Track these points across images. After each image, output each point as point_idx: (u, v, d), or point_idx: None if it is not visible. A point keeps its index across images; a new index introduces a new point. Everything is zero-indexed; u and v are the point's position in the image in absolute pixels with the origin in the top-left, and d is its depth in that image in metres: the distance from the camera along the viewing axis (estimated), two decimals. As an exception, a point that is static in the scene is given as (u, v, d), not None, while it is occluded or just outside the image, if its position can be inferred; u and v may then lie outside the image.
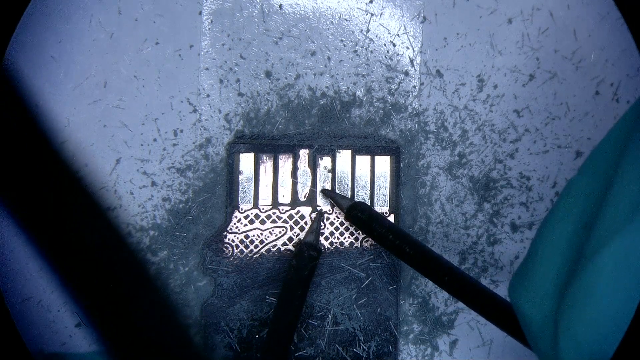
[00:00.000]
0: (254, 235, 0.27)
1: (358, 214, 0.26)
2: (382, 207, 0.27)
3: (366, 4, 0.27)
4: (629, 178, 0.17)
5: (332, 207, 0.27)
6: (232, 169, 0.27)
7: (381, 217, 0.26)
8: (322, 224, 0.27)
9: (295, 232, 0.27)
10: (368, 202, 0.27)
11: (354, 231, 0.27)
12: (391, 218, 0.28)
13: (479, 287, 0.23)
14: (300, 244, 0.27)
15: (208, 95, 0.27)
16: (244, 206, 0.27)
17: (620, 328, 0.16)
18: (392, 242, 0.24)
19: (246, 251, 0.27)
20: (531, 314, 0.18)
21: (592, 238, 0.17)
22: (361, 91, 0.28)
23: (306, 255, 0.26)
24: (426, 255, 0.24)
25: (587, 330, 0.17)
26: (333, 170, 0.27)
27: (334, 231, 0.27)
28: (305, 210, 0.27)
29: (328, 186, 0.27)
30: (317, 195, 0.27)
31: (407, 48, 0.28)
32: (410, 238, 0.24)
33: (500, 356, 0.29)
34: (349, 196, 0.27)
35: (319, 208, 0.27)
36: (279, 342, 0.25)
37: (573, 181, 0.19)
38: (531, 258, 0.19)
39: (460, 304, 0.28)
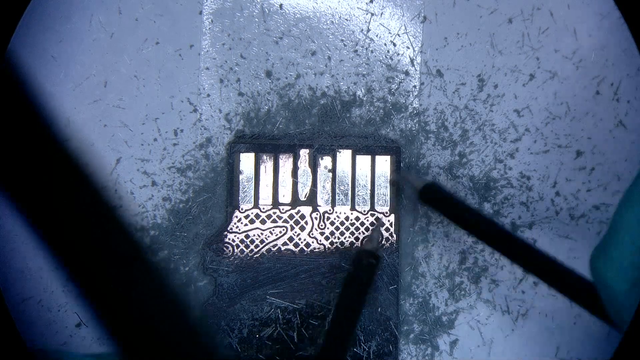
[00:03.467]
0: (254, 235, 0.27)
1: (434, 195, 0.26)
2: (382, 206, 0.27)
3: (366, 3, 0.27)
4: None
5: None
6: (232, 169, 0.27)
7: (456, 196, 0.26)
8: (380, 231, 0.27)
9: (295, 232, 0.27)
10: (368, 202, 0.27)
11: (354, 230, 0.27)
12: (391, 218, 0.28)
13: (556, 264, 0.22)
14: (358, 251, 0.26)
15: (208, 95, 0.27)
16: (244, 206, 0.27)
17: None
18: (468, 220, 0.24)
19: (246, 251, 0.27)
20: (615, 283, 0.18)
21: None
22: (361, 91, 0.28)
23: (364, 263, 0.26)
24: (500, 233, 0.24)
25: None
26: (333, 170, 0.27)
27: (335, 231, 0.27)
28: (306, 210, 0.27)
29: (328, 186, 0.27)
30: (318, 195, 0.27)
31: (408, 48, 0.28)
32: (484, 217, 0.24)
33: (500, 356, 0.29)
34: (350, 196, 0.27)
35: (374, 215, 0.27)
36: (337, 349, 0.25)
37: None
38: (614, 229, 0.19)
39: (461, 304, 0.28)
